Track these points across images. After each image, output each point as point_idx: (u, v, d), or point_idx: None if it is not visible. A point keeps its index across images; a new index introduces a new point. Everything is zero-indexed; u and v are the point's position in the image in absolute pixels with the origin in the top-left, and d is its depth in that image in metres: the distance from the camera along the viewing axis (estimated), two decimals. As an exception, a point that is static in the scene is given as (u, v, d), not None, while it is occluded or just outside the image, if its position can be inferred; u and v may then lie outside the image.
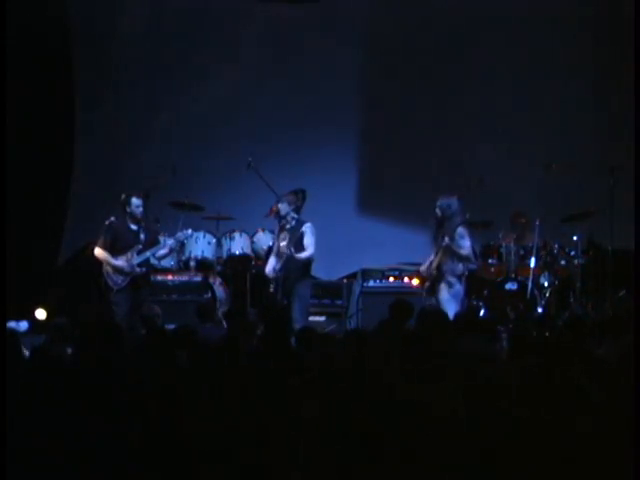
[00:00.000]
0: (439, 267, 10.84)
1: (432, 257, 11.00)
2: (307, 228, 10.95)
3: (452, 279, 10.84)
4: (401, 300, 9.05)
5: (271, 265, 11.05)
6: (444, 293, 10.82)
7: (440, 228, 10.94)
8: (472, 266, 11.57)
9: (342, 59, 13.66)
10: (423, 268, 11.05)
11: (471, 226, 11.39)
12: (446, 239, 10.77)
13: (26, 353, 8.05)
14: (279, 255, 10.96)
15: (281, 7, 13.65)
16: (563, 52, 13.38)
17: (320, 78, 13.68)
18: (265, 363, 6.42)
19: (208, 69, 13.75)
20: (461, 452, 5.16)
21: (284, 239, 10.96)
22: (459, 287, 10.94)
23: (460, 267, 10.91)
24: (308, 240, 10.90)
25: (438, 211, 10.93)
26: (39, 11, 13.11)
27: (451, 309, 10.41)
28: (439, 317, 7.89)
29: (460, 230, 10.90)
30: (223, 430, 5.41)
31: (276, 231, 11.27)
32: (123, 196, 10.94)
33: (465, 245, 10.91)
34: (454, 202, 10.97)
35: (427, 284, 10.95)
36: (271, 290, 10.93)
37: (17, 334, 7.70)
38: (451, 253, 10.80)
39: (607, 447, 5.15)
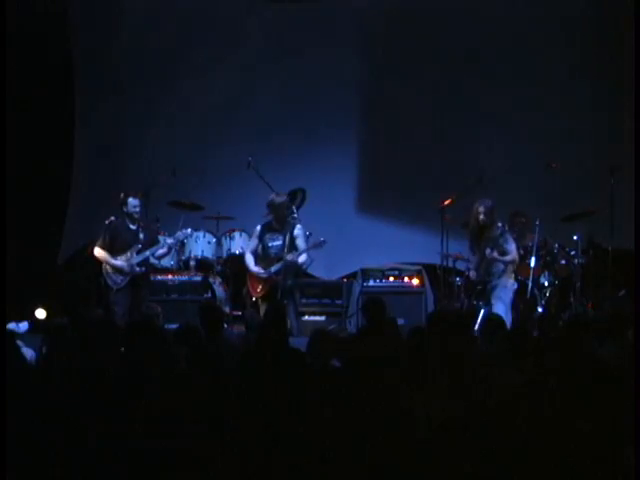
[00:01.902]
0: (489, 271, 10.95)
1: (477, 261, 11.10)
2: (300, 230, 11.13)
3: (506, 280, 10.99)
4: (371, 298, 9.07)
5: (259, 267, 11.17)
6: (500, 294, 10.97)
7: (482, 233, 11.01)
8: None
9: (342, 59, 13.66)
10: (473, 273, 11.16)
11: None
12: (488, 251, 10.89)
13: (27, 352, 8.07)
14: (273, 259, 11.06)
15: (281, 7, 13.65)
16: (563, 52, 13.37)
17: (320, 78, 13.68)
18: (264, 362, 6.42)
19: (208, 69, 13.75)
20: (461, 453, 5.16)
21: (275, 240, 11.11)
22: (513, 287, 11.14)
23: (507, 270, 11.09)
24: (302, 243, 11.07)
25: (483, 217, 10.97)
26: (39, 11, 13.10)
27: (507, 309, 10.86)
28: (453, 318, 7.91)
29: (505, 235, 11.06)
30: (223, 430, 5.41)
31: (257, 231, 11.28)
32: (122, 195, 10.97)
33: (511, 249, 11.14)
34: (493, 205, 11.09)
35: (479, 288, 11.10)
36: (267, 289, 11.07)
37: (14, 335, 7.69)
38: (496, 262, 10.98)
39: (607, 447, 5.15)
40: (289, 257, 11.01)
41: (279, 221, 11.20)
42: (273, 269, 11.13)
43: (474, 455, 5.11)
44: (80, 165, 13.75)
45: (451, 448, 5.17)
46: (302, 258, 11.22)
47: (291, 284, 11.21)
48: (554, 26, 13.37)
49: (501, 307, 10.89)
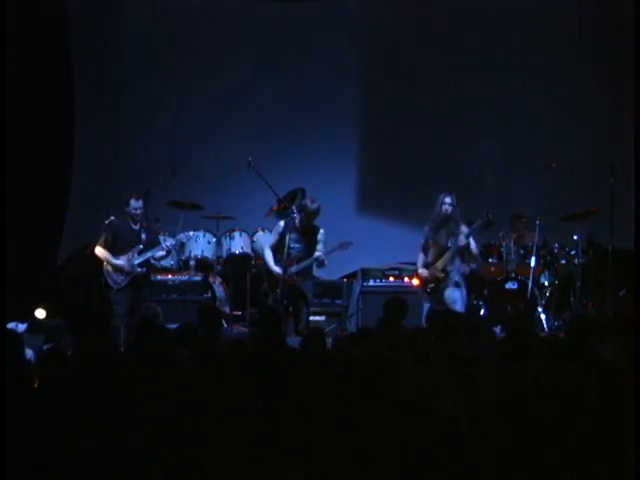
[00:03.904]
0: (444, 269, 10.82)
1: (429, 259, 10.96)
2: (323, 236, 11.09)
3: (460, 280, 10.88)
4: (395, 298, 9.04)
5: (278, 268, 11.08)
6: (454, 294, 10.81)
7: (442, 228, 10.87)
8: (473, 265, 11.61)
9: (342, 58, 13.66)
10: (424, 271, 10.96)
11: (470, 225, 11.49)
12: (462, 239, 10.74)
13: (27, 353, 8.07)
14: (293, 259, 11.00)
15: (281, 7, 13.65)
16: (564, 52, 13.38)
17: (320, 78, 13.68)
18: (263, 362, 6.43)
19: (208, 69, 13.75)
20: (461, 452, 5.16)
21: (298, 241, 11.03)
22: (464, 287, 11.00)
23: (465, 267, 10.96)
24: (322, 248, 11.01)
25: (449, 208, 10.82)
26: (39, 10, 13.10)
27: (460, 309, 10.64)
28: (453, 318, 7.91)
29: (468, 230, 10.93)
30: (223, 429, 5.41)
31: (279, 227, 11.20)
32: (126, 195, 10.98)
33: (474, 245, 10.97)
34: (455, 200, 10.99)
35: (431, 286, 10.91)
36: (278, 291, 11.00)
37: (20, 335, 7.68)
38: (465, 253, 10.82)
39: (607, 447, 5.15)
40: (317, 254, 10.93)
41: (306, 226, 11.10)
42: (294, 269, 11.02)
43: (474, 454, 5.11)
44: (80, 165, 13.75)
45: (451, 447, 5.17)
46: (326, 260, 11.08)
47: (308, 284, 11.17)
48: (554, 26, 13.37)
49: (460, 307, 10.78)
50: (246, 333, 11.23)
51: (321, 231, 11.15)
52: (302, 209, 11.14)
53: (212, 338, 7.92)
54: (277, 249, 11.20)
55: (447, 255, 10.80)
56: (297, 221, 11.14)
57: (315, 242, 11.08)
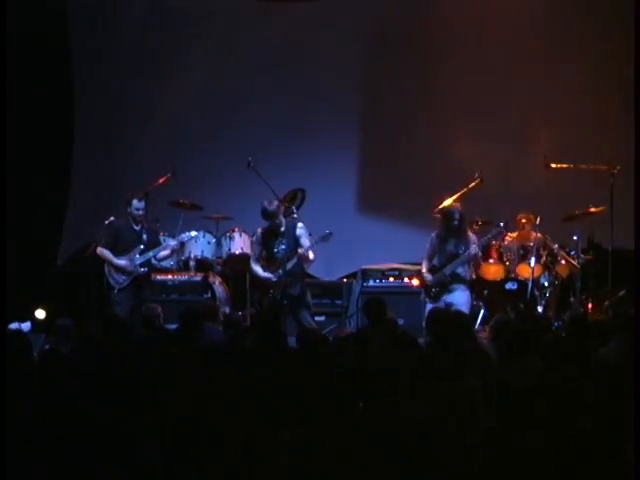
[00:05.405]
0: (453, 273, 10.85)
1: (436, 263, 10.98)
2: (303, 229, 10.90)
3: (467, 284, 10.93)
4: (372, 299, 9.06)
5: (268, 273, 10.93)
6: (462, 297, 10.84)
7: (452, 236, 10.90)
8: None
9: (342, 58, 13.66)
10: (429, 276, 10.96)
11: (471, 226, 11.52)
12: (475, 248, 10.81)
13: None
14: (281, 262, 10.85)
15: (281, 7, 13.65)
16: (563, 51, 13.38)
17: (320, 78, 13.68)
18: (263, 363, 6.43)
19: (208, 69, 13.75)
20: (461, 451, 5.16)
21: (281, 244, 10.87)
22: (470, 290, 11.05)
23: (470, 272, 11.01)
24: (306, 241, 10.85)
25: (459, 217, 10.89)
26: (39, 10, 13.10)
27: (467, 311, 10.57)
28: (457, 318, 7.92)
29: (483, 240, 11.06)
30: (223, 429, 5.42)
31: (258, 238, 11.05)
32: (128, 195, 10.98)
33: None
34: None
35: (435, 290, 10.92)
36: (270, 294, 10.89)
37: (27, 336, 7.68)
38: (474, 261, 10.91)
39: (607, 447, 5.15)
40: (300, 250, 10.76)
41: (276, 227, 10.93)
42: (282, 271, 10.82)
43: (474, 454, 5.11)
44: (80, 165, 13.76)
45: (451, 447, 5.17)
46: (312, 255, 10.93)
47: (301, 289, 10.98)
48: (555, 26, 13.38)
49: (468, 310, 10.80)
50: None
51: (299, 225, 10.90)
52: (262, 214, 10.83)
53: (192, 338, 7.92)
54: (265, 258, 11.01)
55: (458, 261, 10.86)
56: (269, 226, 10.94)
57: (297, 238, 10.87)
